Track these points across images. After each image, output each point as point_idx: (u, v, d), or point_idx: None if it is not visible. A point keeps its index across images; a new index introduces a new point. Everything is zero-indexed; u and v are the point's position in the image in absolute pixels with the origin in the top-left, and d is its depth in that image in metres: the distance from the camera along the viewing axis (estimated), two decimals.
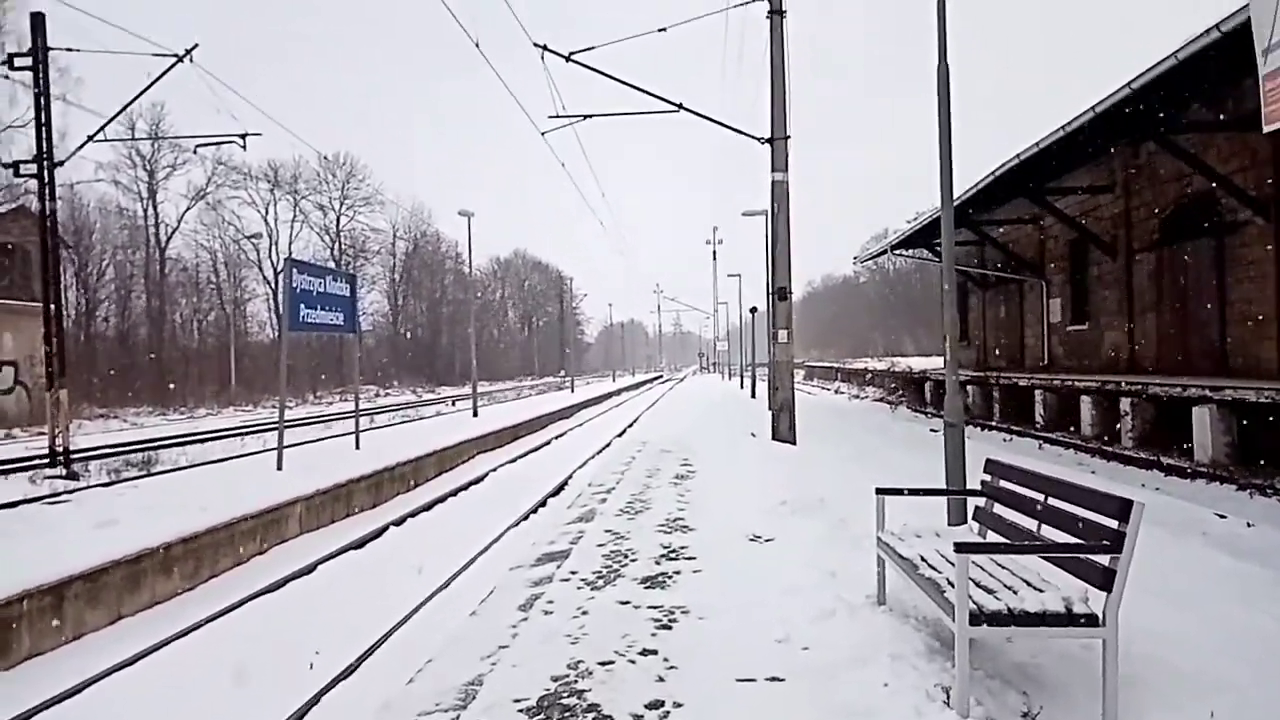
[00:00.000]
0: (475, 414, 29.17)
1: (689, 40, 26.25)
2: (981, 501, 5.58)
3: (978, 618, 3.83)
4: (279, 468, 14.20)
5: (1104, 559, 3.84)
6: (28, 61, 18.95)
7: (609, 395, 52.38)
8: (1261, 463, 11.65)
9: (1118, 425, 15.87)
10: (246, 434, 26.54)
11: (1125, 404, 15.61)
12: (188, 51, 18.09)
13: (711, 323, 78.63)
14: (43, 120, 18.87)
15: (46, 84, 18.96)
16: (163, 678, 6.87)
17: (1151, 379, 15.83)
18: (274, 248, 66.37)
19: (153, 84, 18.77)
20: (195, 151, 26.76)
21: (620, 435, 23.72)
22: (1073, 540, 4.17)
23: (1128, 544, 3.75)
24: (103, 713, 6.24)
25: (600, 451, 20.41)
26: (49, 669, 7.21)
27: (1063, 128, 15.71)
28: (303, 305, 15.07)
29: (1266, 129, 7.41)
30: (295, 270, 15.08)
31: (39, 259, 32.57)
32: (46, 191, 19.02)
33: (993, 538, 5.30)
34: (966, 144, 8.95)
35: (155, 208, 56.96)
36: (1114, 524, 3.84)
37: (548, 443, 24.49)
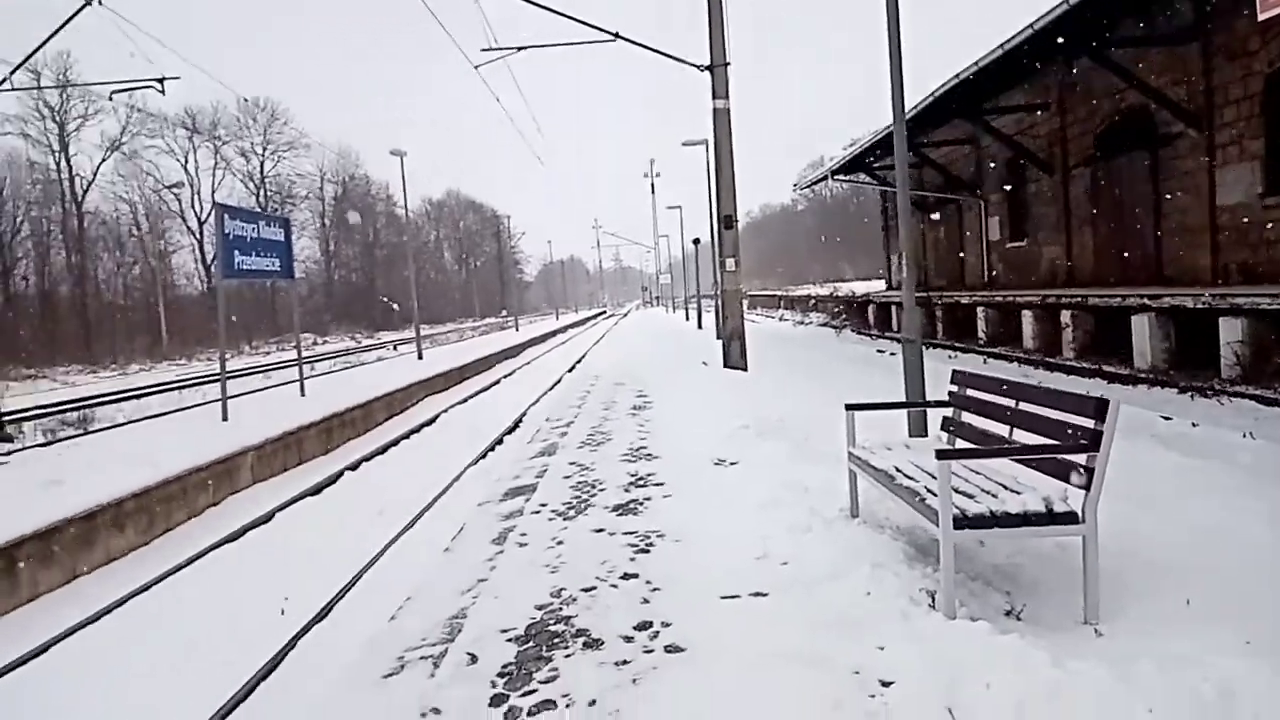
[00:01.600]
0: (420, 357, 28.78)
1: None
2: (949, 411, 5.65)
3: (961, 522, 3.89)
4: (224, 418, 13.86)
5: (1082, 458, 3.92)
6: None
7: (554, 333, 52.11)
8: (1199, 366, 12.05)
9: (1059, 337, 16.27)
10: (184, 388, 25.85)
11: (1066, 316, 15.98)
12: None
13: (653, 256, 78.44)
14: None
15: None
16: (129, 632, 6.73)
17: (1090, 291, 16.20)
18: (196, 197, 64.12)
19: (61, 27, 17.63)
20: (111, 98, 25.43)
21: (570, 371, 23.67)
22: (1049, 442, 4.24)
23: (1105, 442, 3.82)
24: (70, 671, 6.08)
25: (553, 387, 20.34)
26: (8, 631, 7.00)
27: (1000, 46, 15.72)
28: (237, 252, 14.56)
29: (1262, 16, 7.47)
30: (226, 216, 14.52)
31: None
32: None
33: (962, 445, 5.38)
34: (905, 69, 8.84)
35: (69, 160, 54.46)
36: (1090, 423, 3.90)
37: (497, 382, 24.33)
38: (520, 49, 17.54)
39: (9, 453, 13.87)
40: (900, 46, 8.52)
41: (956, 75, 17.78)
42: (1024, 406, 4.71)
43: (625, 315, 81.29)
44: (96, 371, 37.85)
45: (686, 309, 49.20)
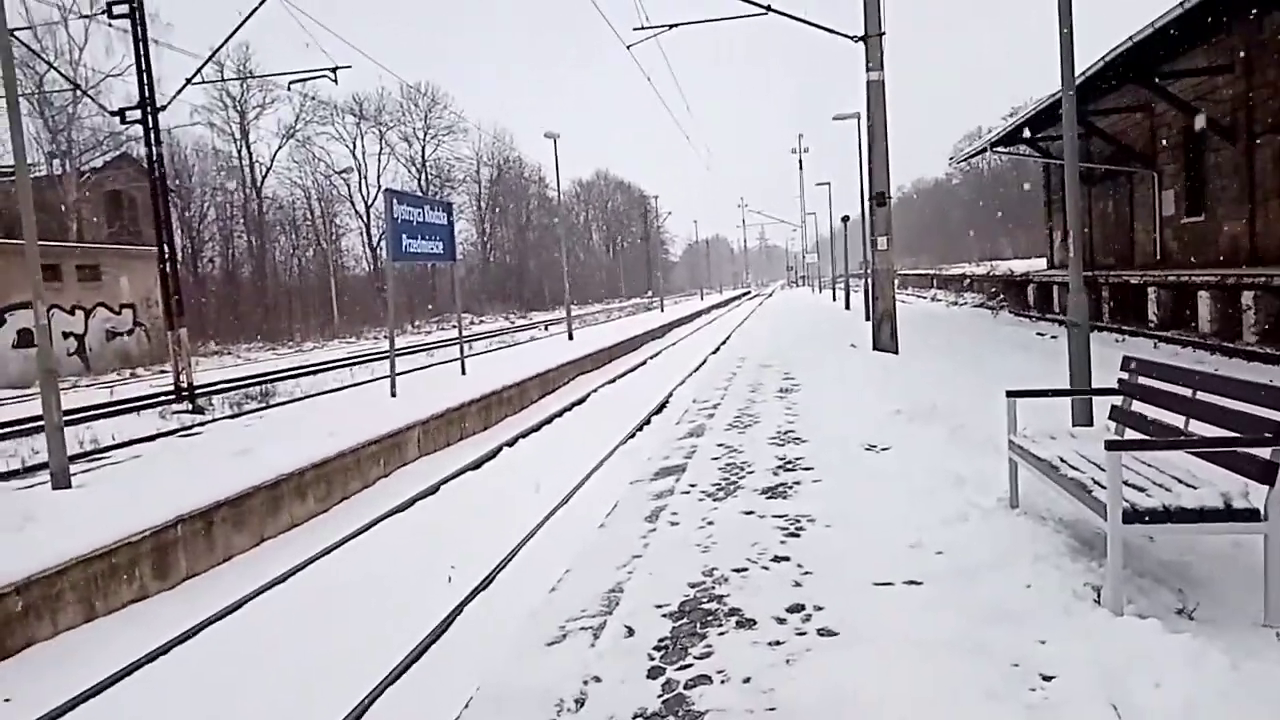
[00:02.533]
0: (570, 337, 29.53)
1: None
2: (1118, 400, 5.42)
3: (1131, 516, 3.76)
4: (393, 394, 14.71)
5: (1265, 451, 3.71)
6: (125, 9, 19.47)
7: (698, 314, 52.29)
8: None
9: (1240, 321, 15.11)
10: (355, 364, 27.50)
11: (1247, 298, 14.81)
12: None
13: (799, 234, 77.32)
14: (143, 67, 19.44)
15: (145, 30, 19.46)
16: (311, 593, 7.31)
17: (1276, 270, 14.95)
18: (363, 182, 67.62)
19: (243, 22, 19.04)
20: (289, 88, 27.17)
21: (715, 352, 23.75)
22: (1230, 434, 4.03)
23: None
24: (262, 627, 6.67)
25: (698, 369, 20.50)
26: (206, 587, 7.74)
27: (1180, 4, 14.65)
28: (404, 235, 15.35)
29: None
30: (395, 201, 15.31)
31: (145, 204, 34.11)
32: (152, 137, 19.69)
33: (1132, 436, 5.16)
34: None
35: (249, 147, 58.49)
36: (1277, 415, 3.69)
37: (644, 362, 24.70)
38: (672, 26, 17.66)
39: (202, 424, 15.22)
40: (1070, 7, 8.12)
41: (1129, 37, 16.69)
42: (1202, 396, 4.48)
43: (770, 295, 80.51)
44: (275, 348, 40.72)
45: (834, 289, 48.33)
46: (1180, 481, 4.09)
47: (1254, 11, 16.21)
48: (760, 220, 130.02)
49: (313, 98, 56.35)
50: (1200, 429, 4.44)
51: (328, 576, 7.69)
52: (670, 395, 16.34)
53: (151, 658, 6.14)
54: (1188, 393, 4.62)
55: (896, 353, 15.38)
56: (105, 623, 6.92)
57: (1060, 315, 21.56)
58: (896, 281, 17.81)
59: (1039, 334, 20.73)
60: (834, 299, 44.60)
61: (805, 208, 68.26)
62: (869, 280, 17.50)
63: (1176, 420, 4.73)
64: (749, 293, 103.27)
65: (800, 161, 66.52)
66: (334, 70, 19.95)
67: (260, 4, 18.26)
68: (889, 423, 8.76)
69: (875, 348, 15.72)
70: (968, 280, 43.64)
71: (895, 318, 15.86)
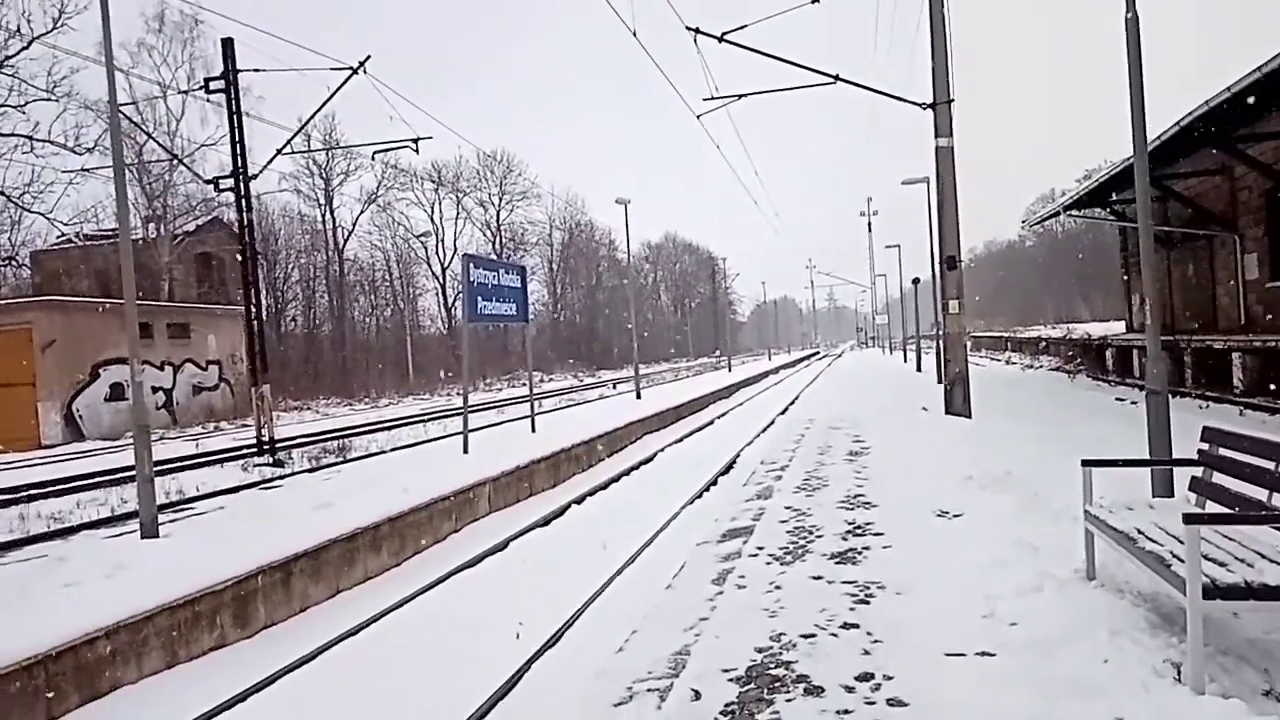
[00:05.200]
0: (638, 396, 29.71)
1: (843, 10, 25.53)
2: (1198, 471, 5.31)
3: (1211, 591, 3.69)
4: (465, 451, 14.99)
5: None
6: (220, 84, 20.66)
7: (766, 374, 52.09)
8: None
9: None
10: (428, 420, 28.07)
11: None
12: (361, 64, 19.18)
13: (869, 296, 76.81)
14: (236, 138, 20.53)
15: (239, 104, 20.59)
16: (382, 646, 7.44)
17: None
18: (440, 245, 69.61)
19: (331, 96, 20.03)
20: (373, 158, 28.36)
21: (783, 413, 23.62)
22: None
23: None
24: (335, 677, 6.82)
25: (765, 430, 20.42)
26: (282, 637, 7.95)
27: (1258, 69, 14.41)
28: (479, 298, 15.81)
29: None
30: (472, 265, 15.81)
31: (233, 265, 35.67)
32: (243, 204, 20.69)
33: (1212, 508, 5.04)
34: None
35: (333, 212, 60.82)
36: None
37: (710, 422, 24.68)
38: (740, 96, 18.01)
39: (281, 477, 15.69)
40: (1141, 74, 8.09)
41: (1205, 102, 16.44)
42: None
43: (839, 356, 79.86)
44: (352, 404, 41.76)
45: (905, 350, 47.77)
46: (1263, 557, 3.99)
47: None
48: (829, 282, 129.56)
49: (394, 165, 58.57)
50: None
51: (399, 629, 7.83)
52: (738, 456, 16.30)
53: (229, 705, 6.32)
54: (1271, 465, 4.52)
55: (970, 416, 15.17)
56: (187, 668, 7.16)
57: (1140, 380, 20.97)
58: (969, 344, 17.60)
59: (1118, 399, 20.18)
60: (905, 361, 44.05)
61: (874, 269, 67.97)
62: (940, 342, 17.32)
63: (1260, 494, 4.63)
64: (817, 353, 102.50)
65: (869, 224, 66.56)
66: (415, 141, 20.78)
67: (346, 80, 19.20)
68: (961, 489, 8.65)
69: (948, 411, 15.52)
70: (1043, 343, 42.73)
71: (968, 381, 15.67)
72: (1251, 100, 15.68)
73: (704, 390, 32.33)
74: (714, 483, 13.79)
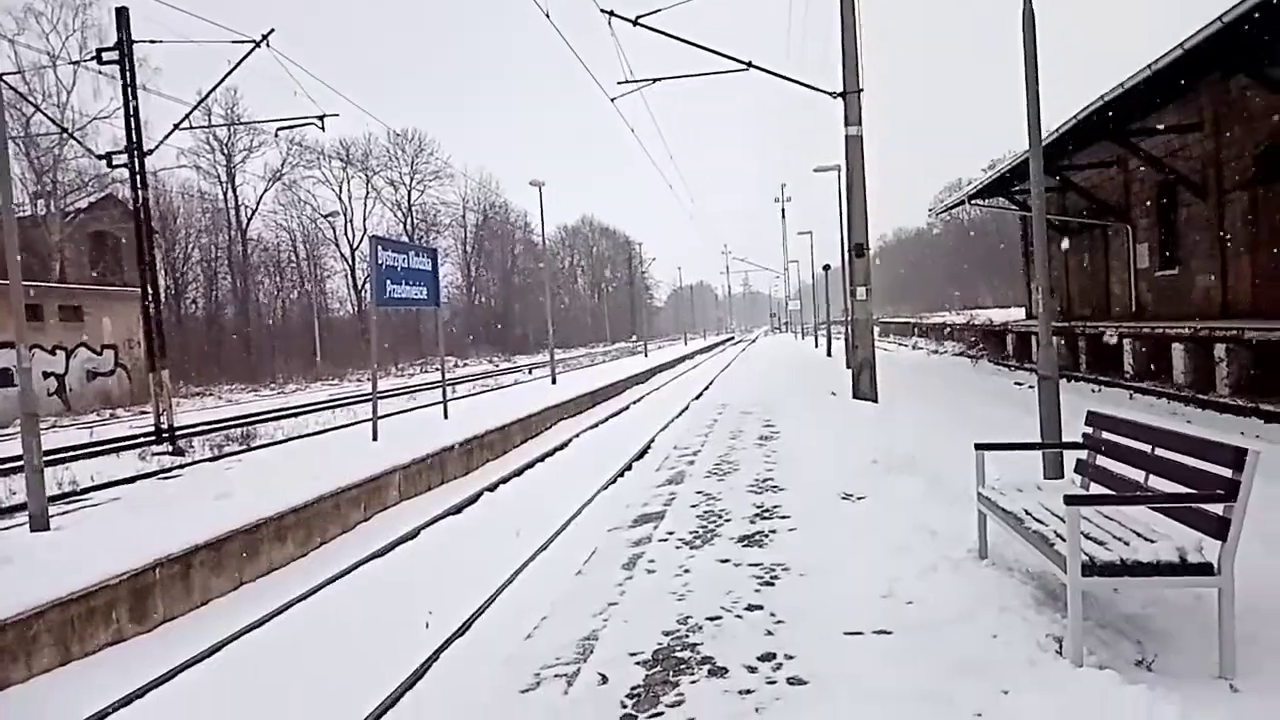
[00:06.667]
0: (554, 381, 29.61)
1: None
2: (1083, 454, 5.57)
3: (1090, 569, 3.88)
4: (374, 438, 14.73)
5: (1218, 508, 3.85)
6: (114, 55, 19.71)
7: (682, 359, 52.47)
8: None
9: (1213, 373, 15.38)
10: (336, 407, 27.44)
11: (1220, 350, 15.11)
12: (264, 37, 18.54)
13: (782, 282, 78.01)
14: (131, 111, 19.63)
15: (134, 76, 19.67)
16: (287, 638, 7.29)
17: (1248, 323, 15.26)
18: (349, 225, 67.94)
19: (233, 70, 19.33)
20: (276, 135, 27.50)
21: (698, 398, 23.87)
22: (1184, 490, 4.17)
23: (1242, 492, 3.76)
24: (237, 671, 6.65)
25: (680, 414, 20.60)
26: (182, 632, 7.71)
27: (1149, 66, 15.12)
28: (388, 281, 15.49)
29: None
30: (380, 247, 15.47)
31: (129, 245, 34.18)
32: (138, 180, 19.82)
33: (1096, 489, 5.30)
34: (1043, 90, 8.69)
35: (235, 190, 58.84)
36: (1228, 472, 3.84)
37: (627, 407, 24.77)
38: (654, 80, 18.02)
39: (181, 466, 15.16)
40: (1036, 68, 8.41)
41: (1100, 97, 17.18)
42: (1160, 452, 4.63)
43: (753, 341, 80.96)
44: (257, 390, 40.55)
45: (815, 336, 48.70)
46: (1139, 536, 4.21)
47: (1221, 74, 16.74)
48: (744, 267, 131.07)
49: (299, 143, 56.90)
50: (1159, 484, 4.58)
51: (304, 621, 7.67)
52: (652, 441, 16.41)
53: (125, 701, 6.11)
54: (1147, 448, 4.77)
55: (876, 401, 15.55)
56: (81, 665, 6.89)
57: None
58: (877, 330, 18.05)
59: (1017, 383, 20.98)
60: (816, 346, 44.94)
61: (788, 255, 68.97)
62: (849, 328, 17.72)
63: (1137, 475, 4.88)
64: (732, 338, 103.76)
65: (783, 211, 67.47)
66: (321, 118, 20.21)
67: (249, 53, 18.55)
68: (866, 472, 8.89)
69: (855, 396, 15.89)
70: (948, 329, 44.09)
71: (875, 366, 16.05)
72: (1145, 92, 16.41)
73: (620, 375, 32.41)
74: (628, 468, 13.86)
